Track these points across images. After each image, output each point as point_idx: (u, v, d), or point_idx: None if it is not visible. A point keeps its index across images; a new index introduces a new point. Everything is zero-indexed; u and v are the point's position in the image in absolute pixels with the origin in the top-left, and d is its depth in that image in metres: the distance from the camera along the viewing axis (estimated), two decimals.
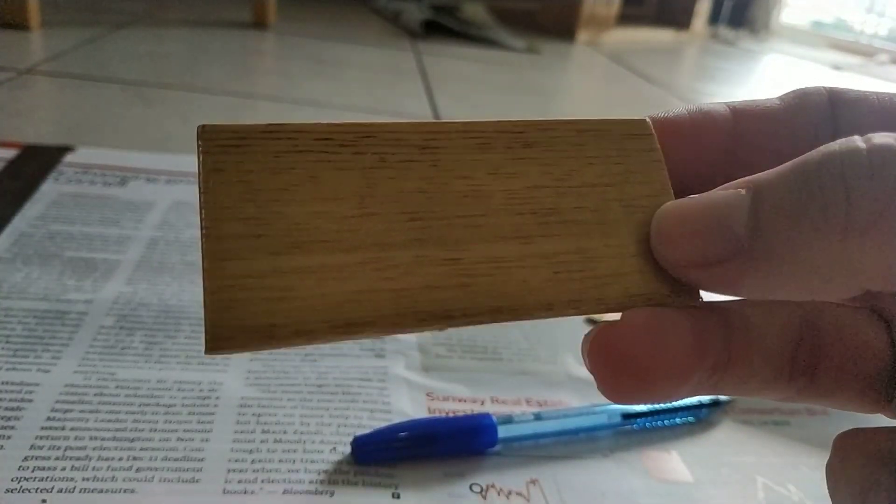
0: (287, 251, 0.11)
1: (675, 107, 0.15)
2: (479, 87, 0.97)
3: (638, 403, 0.19)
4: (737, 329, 0.13)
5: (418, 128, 0.13)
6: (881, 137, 0.10)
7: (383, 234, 0.12)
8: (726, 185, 0.12)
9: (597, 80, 1.20)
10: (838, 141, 0.11)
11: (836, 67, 1.68)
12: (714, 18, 1.97)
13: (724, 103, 0.14)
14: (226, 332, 0.11)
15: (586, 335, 0.13)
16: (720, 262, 0.11)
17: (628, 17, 1.65)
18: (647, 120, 0.14)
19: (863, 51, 1.88)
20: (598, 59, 1.37)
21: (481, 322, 0.12)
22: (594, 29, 1.52)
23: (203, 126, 0.12)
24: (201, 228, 0.11)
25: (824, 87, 0.14)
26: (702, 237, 0.12)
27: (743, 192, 0.11)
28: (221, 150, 0.12)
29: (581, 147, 0.13)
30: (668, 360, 0.12)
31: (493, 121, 0.13)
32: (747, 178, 0.12)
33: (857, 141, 0.10)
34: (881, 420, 0.14)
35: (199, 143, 0.12)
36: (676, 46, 1.68)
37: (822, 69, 1.65)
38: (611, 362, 0.12)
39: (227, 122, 0.12)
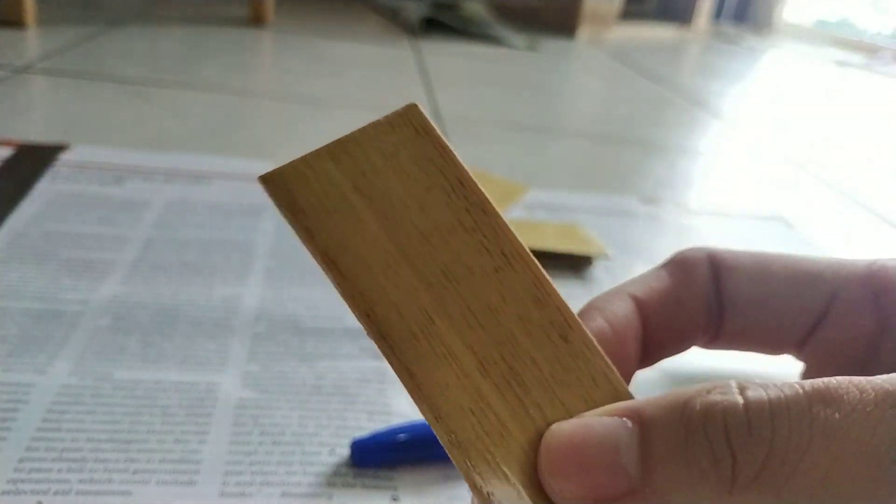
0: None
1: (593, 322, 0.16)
2: (479, 84, 0.97)
3: None
4: None
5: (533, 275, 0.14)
6: (755, 391, 0.11)
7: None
8: (609, 408, 0.13)
9: (598, 78, 1.20)
10: (717, 391, 0.12)
11: (840, 65, 1.67)
12: (717, 15, 1.97)
13: (628, 294, 0.16)
14: (285, 196, 0.13)
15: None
16: (612, 500, 0.12)
17: (630, 13, 1.64)
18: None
19: (866, 48, 1.87)
20: (599, 56, 1.36)
21: (386, 354, 0.13)
22: (596, 26, 1.51)
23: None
24: None
25: (706, 255, 0.16)
26: (595, 473, 0.12)
27: (630, 424, 0.12)
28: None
29: (594, 381, 0.14)
30: None
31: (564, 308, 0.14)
32: (629, 405, 0.12)
33: (735, 394, 0.11)
34: None
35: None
36: (678, 43, 1.68)
37: (825, 67, 1.65)
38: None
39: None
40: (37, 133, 0.54)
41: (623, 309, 0.16)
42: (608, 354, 0.14)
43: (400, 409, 0.29)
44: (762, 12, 2.10)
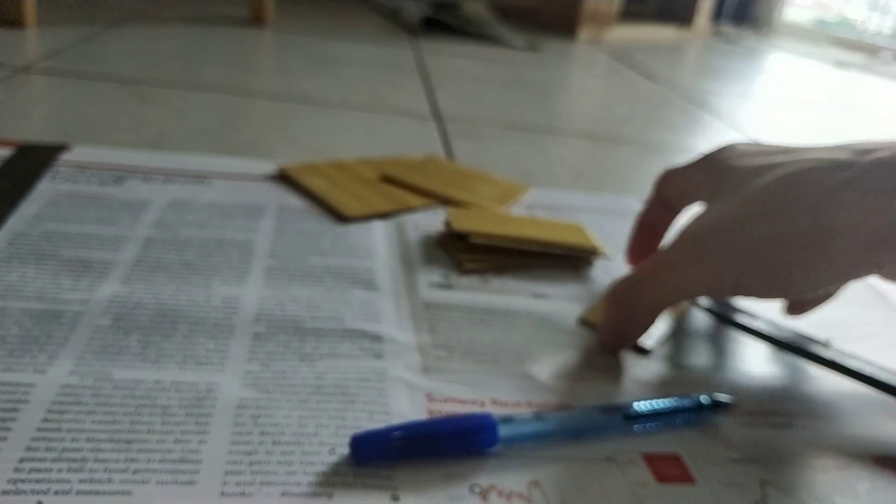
0: None
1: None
2: (479, 84, 0.97)
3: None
4: None
5: None
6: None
7: None
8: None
9: (598, 78, 1.20)
10: None
11: (840, 65, 1.67)
12: (717, 15, 1.96)
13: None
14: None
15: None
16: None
17: (630, 13, 1.64)
18: None
19: (866, 48, 1.87)
20: (599, 56, 1.36)
21: None
22: (596, 26, 1.51)
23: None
24: None
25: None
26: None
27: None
28: None
29: None
30: None
31: None
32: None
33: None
34: None
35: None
36: (679, 44, 1.68)
37: (825, 67, 1.65)
38: None
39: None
40: (37, 133, 0.54)
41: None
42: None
43: (400, 409, 0.29)
44: (762, 12, 2.10)
